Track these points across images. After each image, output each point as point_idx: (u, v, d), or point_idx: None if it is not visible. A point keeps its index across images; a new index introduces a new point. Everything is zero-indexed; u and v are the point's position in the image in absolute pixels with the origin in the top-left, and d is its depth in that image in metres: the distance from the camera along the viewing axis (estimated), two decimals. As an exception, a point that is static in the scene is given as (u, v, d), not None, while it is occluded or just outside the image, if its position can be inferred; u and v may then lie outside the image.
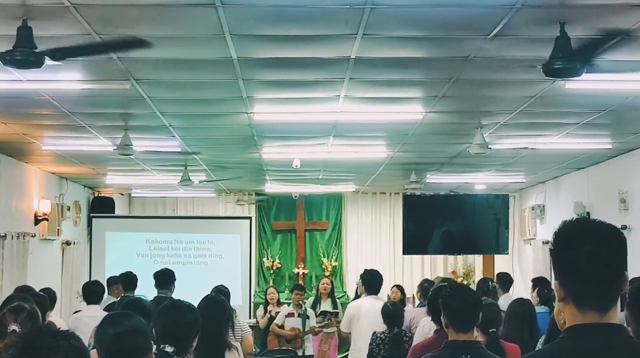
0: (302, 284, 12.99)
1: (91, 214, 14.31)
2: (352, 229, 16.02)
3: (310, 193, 15.43)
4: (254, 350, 7.69)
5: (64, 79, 6.32)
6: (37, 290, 6.95)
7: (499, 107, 7.59)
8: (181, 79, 6.47)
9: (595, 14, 4.78)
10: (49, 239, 11.93)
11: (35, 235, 11.13)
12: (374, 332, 7.15)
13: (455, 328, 4.03)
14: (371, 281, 8.39)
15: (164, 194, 15.46)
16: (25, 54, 4.81)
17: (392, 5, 4.67)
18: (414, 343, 5.97)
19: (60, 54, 5.14)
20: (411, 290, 13.03)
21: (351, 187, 14.78)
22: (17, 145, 9.50)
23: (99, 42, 5.23)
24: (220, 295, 5.87)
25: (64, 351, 2.25)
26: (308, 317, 10.47)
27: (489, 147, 8.36)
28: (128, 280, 9.03)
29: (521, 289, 13.47)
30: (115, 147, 8.56)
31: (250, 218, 14.76)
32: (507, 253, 13.64)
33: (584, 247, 2.12)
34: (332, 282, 12.39)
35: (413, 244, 13.23)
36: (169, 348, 3.80)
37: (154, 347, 3.85)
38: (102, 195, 14.86)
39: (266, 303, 12.00)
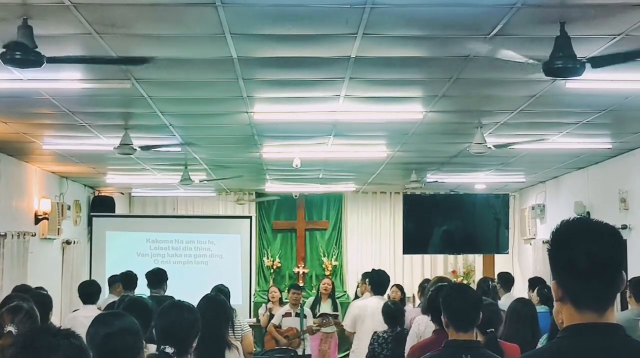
0: (300, 284, 12.99)
1: (91, 213, 14.31)
2: (353, 229, 16.03)
3: (311, 193, 15.44)
4: (254, 349, 7.69)
5: (64, 78, 6.33)
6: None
7: (499, 107, 7.59)
8: (181, 78, 6.47)
9: (595, 14, 4.79)
10: (49, 238, 11.93)
11: (35, 235, 11.13)
12: (375, 332, 7.14)
13: (455, 327, 4.03)
14: (378, 281, 8.39)
15: (164, 194, 15.47)
16: (25, 53, 4.81)
17: (392, 5, 4.67)
18: (408, 342, 5.96)
19: (60, 61, 5.15)
20: (411, 289, 13.04)
21: (351, 186, 14.79)
22: (17, 144, 9.51)
23: (102, 57, 5.26)
24: (220, 294, 5.87)
25: (64, 350, 2.25)
26: (305, 316, 10.47)
27: (490, 146, 8.36)
28: (128, 280, 9.03)
29: (521, 289, 13.49)
30: (116, 146, 8.56)
31: (250, 217, 14.76)
32: (507, 253, 13.64)
33: (582, 247, 2.13)
34: (333, 283, 12.40)
35: (413, 244, 13.23)
36: (169, 350, 3.80)
37: (154, 347, 3.86)
38: (103, 194, 14.87)
39: (268, 302, 12.00)
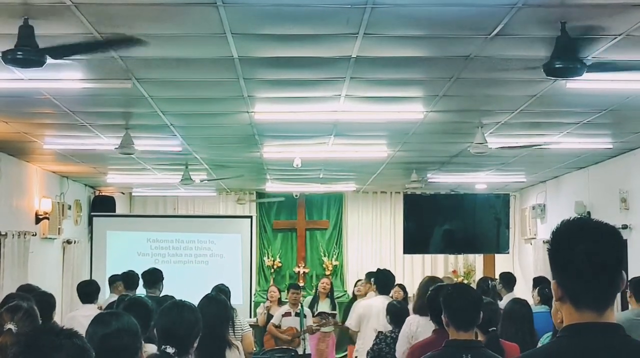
0: (301, 283, 12.99)
1: (92, 213, 14.32)
2: (353, 228, 16.03)
3: (311, 193, 15.44)
4: (254, 349, 7.69)
5: (65, 78, 6.33)
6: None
7: (500, 107, 7.59)
8: (182, 78, 6.47)
9: (596, 14, 4.79)
10: (49, 238, 11.93)
11: (36, 234, 11.13)
12: (380, 332, 7.13)
13: (456, 327, 4.03)
14: (384, 281, 8.41)
15: (165, 193, 15.47)
16: (26, 53, 4.81)
17: (393, 5, 4.67)
18: (399, 342, 5.95)
19: (59, 52, 5.14)
20: (412, 289, 13.03)
21: (352, 186, 14.79)
22: (18, 144, 9.51)
23: (97, 40, 5.24)
24: (220, 294, 5.87)
25: (67, 350, 2.26)
26: (305, 316, 10.47)
27: (490, 146, 8.36)
28: (130, 279, 9.04)
29: (522, 289, 13.49)
30: (117, 146, 8.56)
31: (250, 217, 14.76)
32: (508, 253, 13.64)
33: (581, 247, 2.14)
34: (331, 283, 12.41)
35: (414, 243, 13.23)
36: (170, 350, 3.80)
37: (154, 347, 3.86)
38: (103, 194, 14.87)
39: (266, 301, 12.01)
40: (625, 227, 9.81)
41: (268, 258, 15.74)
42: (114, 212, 14.71)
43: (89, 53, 5.54)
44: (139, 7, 4.72)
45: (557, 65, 4.94)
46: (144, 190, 15.19)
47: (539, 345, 5.71)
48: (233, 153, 10.62)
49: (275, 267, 15.68)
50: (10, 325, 3.96)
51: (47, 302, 5.85)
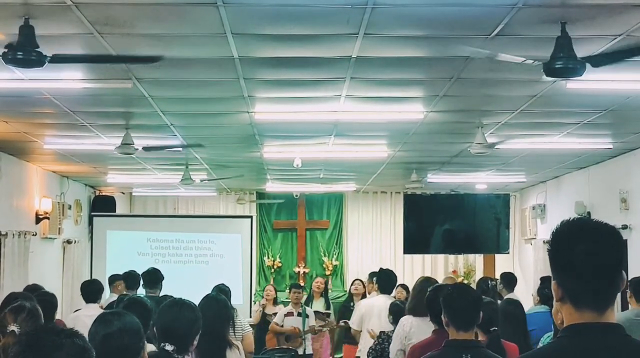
0: (301, 283, 12.99)
1: (92, 213, 14.32)
2: (353, 228, 16.03)
3: (311, 193, 15.44)
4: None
5: (66, 78, 6.33)
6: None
7: (500, 107, 7.59)
8: (182, 78, 6.48)
9: (596, 14, 4.79)
10: (49, 238, 11.94)
11: (36, 234, 11.14)
12: (382, 332, 7.14)
13: (456, 327, 4.04)
14: (386, 280, 8.42)
15: (165, 193, 15.47)
16: (27, 53, 4.82)
17: (393, 5, 4.67)
18: (393, 342, 5.95)
19: (64, 60, 5.15)
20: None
21: (352, 186, 14.79)
22: (18, 143, 9.52)
23: (108, 55, 5.26)
24: (221, 294, 5.88)
25: (67, 349, 2.26)
26: (307, 316, 10.48)
27: (490, 146, 8.37)
28: (131, 279, 9.03)
29: (522, 289, 13.49)
30: (118, 146, 8.56)
31: (251, 217, 14.76)
32: (508, 253, 13.63)
33: (581, 247, 2.14)
34: (325, 282, 12.42)
35: (414, 244, 13.23)
36: (169, 347, 3.81)
37: (152, 347, 3.85)
38: (103, 193, 14.88)
39: (262, 299, 12.04)
40: (625, 227, 9.81)
41: (268, 258, 15.74)
42: (114, 211, 14.71)
43: (96, 63, 5.57)
44: (140, 7, 4.72)
45: (557, 66, 4.94)
46: (144, 190, 15.19)
47: (540, 345, 5.71)
48: (233, 153, 10.63)
49: (275, 267, 15.69)
50: (13, 327, 3.97)
51: (49, 302, 5.86)
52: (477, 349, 4.02)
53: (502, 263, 14.35)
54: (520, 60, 5.11)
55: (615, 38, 5.20)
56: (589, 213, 11.19)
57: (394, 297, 10.39)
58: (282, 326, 10.49)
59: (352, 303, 10.79)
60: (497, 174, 12.57)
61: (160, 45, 5.45)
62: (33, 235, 10.84)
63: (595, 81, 6.23)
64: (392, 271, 8.61)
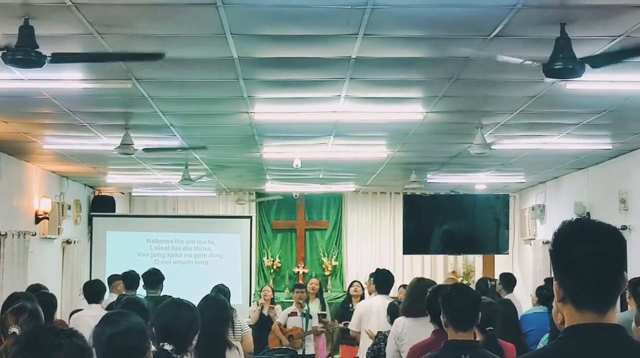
0: (303, 283, 13.00)
1: (92, 213, 14.32)
2: (352, 229, 16.03)
3: (311, 193, 15.45)
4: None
5: (65, 78, 6.33)
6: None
7: (500, 107, 7.60)
8: (182, 78, 6.48)
9: (595, 15, 4.79)
10: (49, 238, 11.94)
11: (35, 234, 11.13)
12: (380, 332, 7.14)
13: (455, 327, 4.04)
14: (383, 280, 8.42)
15: (165, 193, 15.47)
16: (27, 53, 4.82)
17: (392, 6, 4.68)
18: (388, 344, 5.96)
19: (65, 59, 5.15)
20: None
21: (351, 186, 14.79)
22: (18, 144, 9.52)
23: (109, 53, 5.26)
24: (220, 294, 5.88)
25: (66, 349, 2.26)
26: (311, 317, 10.49)
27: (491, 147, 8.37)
28: (130, 280, 9.02)
29: (521, 289, 13.50)
30: (117, 146, 8.56)
31: (250, 217, 14.77)
32: (507, 253, 13.65)
33: (583, 247, 2.14)
34: (320, 283, 12.43)
35: (413, 244, 13.24)
36: (167, 347, 3.81)
37: (152, 345, 3.84)
38: (103, 194, 14.87)
39: (259, 298, 12.04)
40: (624, 227, 9.80)
41: (267, 258, 15.74)
42: (114, 212, 14.71)
43: (96, 62, 5.57)
44: (139, 8, 4.72)
45: (556, 66, 4.94)
46: (143, 190, 15.19)
47: (539, 345, 5.72)
48: (233, 153, 10.63)
49: (274, 267, 15.69)
50: (14, 329, 3.97)
51: (48, 302, 5.86)
52: (475, 349, 4.02)
53: (502, 264, 14.35)
54: (520, 61, 5.12)
55: (615, 39, 5.21)
56: (588, 213, 11.19)
57: (394, 297, 10.41)
58: (285, 326, 10.50)
59: (350, 305, 10.80)
60: (497, 175, 12.57)
61: (159, 46, 5.44)
62: (32, 235, 10.84)
63: (595, 82, 6.22)
64: (389, 271, 8.60)
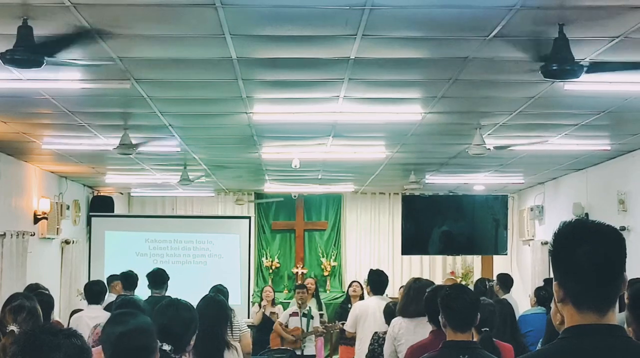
0: (306, 283, 13.00)
1: (90, 213, 14.31)
2: (351, 229, 16.03)
3: (310, 193, 15.45)
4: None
5: (64, 79, 6.33)
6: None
7: (498, 108, 7.60)
8: (181, 78, 6.48)
9: (594, 16, 4.79)
10: (48, 238, 11.93)
11: (34, 234, 11.13)
12: (375, 332, 7.15)
13: (453, 328, 4.05)
14: (377, 281, 8.39)
15: (163, 193, 15.47)
16: (25, 53, 4.82)
17: (391, 6, 4.68)
18: (386, 345, 5.96)
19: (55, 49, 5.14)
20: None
21: (350, 187, 14.79)
22: (16, 144, 9.51)
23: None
24: (219, 294, 5.88)
25: (65, 349, 2.26)
26: (312, 317, 10.50)
27: (489, 148, 8.37)
28: (128, 280, 9.01)
29: (519, 290, 13.51)
30: (116, 146, 8.56)
31: (249, 218, 14.76)
32: (506, 254, 13.65)
33: (583, 248, 2.14)
34: (316, 282, 12.43)
35: (412, 244, 13.25)
36: (166, 347, 3.81)
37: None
38: (102, 194, 14.87)
39: (261, 301, 12.04)
40: (623, 228, 9.80)
41: (266, 258, 15.75)
42: (113, 212, 14.70)
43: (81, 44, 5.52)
44: (138, 8, 4.72)
45: (554, 67, 4.95)
46: (142, 191, 15.19)
47: (539, 346, 5.72)
48: (232, 153, 10.63)
49: (273, 267, 15.70)
50: (13, 327, 3.97)
51: (46, 301, 5.86)
52: (474, 350, 4.02)
53: (500, 265, 14.36)
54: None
55: (613, 40, 5.21)
56: (586, 214, 11.20)
57: (394, 298, 10.40)
58: (286, 326, 10.51)
59: (349, 305, 10.79)
60: (495, 175, 12.57)
61: (158, 46, 5.45)
62: (31, 235, 10.84)
63: (593, 83, 6.23)
64: (382, 271, 8.56)
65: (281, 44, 5.44)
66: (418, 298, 5.44)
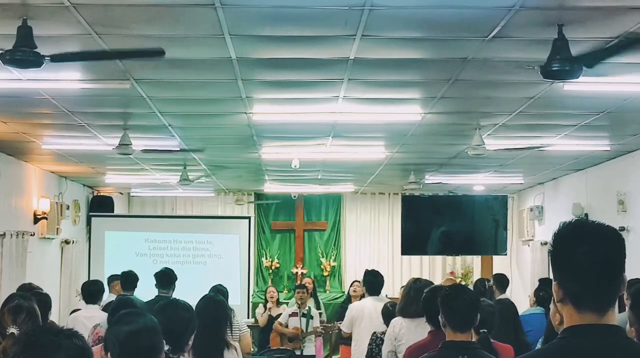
0: (304, 283, 13.01)
1: (90, 213, 14.31)
2: (351, 229, 16.04)
3: (309, 194, 15.45)
4: (252, 349, 7.69)
5: (64, 79, 6.33)
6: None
7: (498, 109, 7.60)
8: (181, 78, 6.48)
9: (593, 16, 4.80)
10: (48, 238, 11.93)
11: (34, 234, 11.13)
12: (374, 333, 7.15)
13: (453, 328, 4.05)
14: (373, 282, 8.38)
15: (163, 193, 15.47)
16: (25, 54, 4.82)
17: (390, 7, 4.68)
18: (385, 344, 5.97)
19: (64, 58, 5.15)
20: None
21: (350, 187, 14.80)
22: (16, 144, 9.52)
23: (110, 51, 5.26)
24: (218, 294, 5.88)
25: (66, 350, 2.26)
26: (312, 317, 10.50)
27: (488, 148, 8.37)
28: (128, 280, 8.97)
29: (519, 290, 13.52)
30: (116, 146, 8.56)
31: (249, 218, 14.76)
32: (506, 254, 13.66)
33: (582, 248, 2.15)
34: (314, 282, 12.43)
35: (412, 245, 13.25)
36: (165, 347, 3.81)
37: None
38: (102, 194, 14.87)
39: (266, 302, 12.02)
40: (622, 229, 9.80)
41: (266, 259, 15.75)
42: (113, 212, 14.70)
43: (95, 60, 5.56)
44: (138, 8, 4.73)
45: (553, 68, 4.95)
46: (142, 191, 15.19)
47: (538, 346, 5.72)
48: (231, 154, 10.63)
49: (273, 267, 15.70)
50: (13, 329, 3.97)
51: (44, 301, 5.85)
52: (473, 350, 4.03)
53: (500, 265, 14.36)
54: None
55: (612, 40, 5.21)
56: (586, 215, 11.20)
57: (393, 298, 10.40)
58: (286, 326, 10.51)
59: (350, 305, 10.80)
60: (495, 176, 12.58)
61: (158, 46, 5.44)
62: (31, 235, 10.84)
63: (593, 83, 6.24)
64: (377, 272, 8.55)
65: (281, 44, 5.44)
66: (418, 299, 5.44)
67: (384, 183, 14.16)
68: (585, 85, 6.22)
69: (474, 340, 4.27)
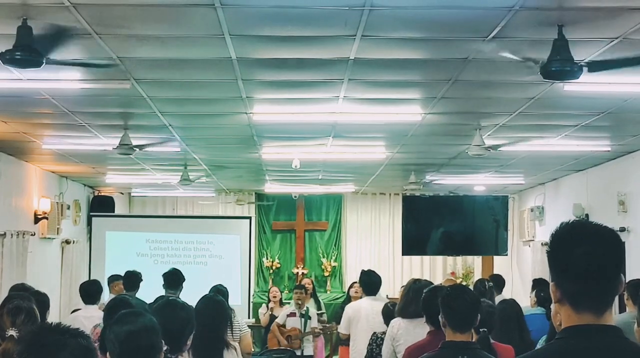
0: (303, 284, 13.00)
1: (91, 213, 14.32)
2: (352, 230, 16.04)
3: (310, 194, 15.45)
4: (253, 349, 7.68)
5: (64, 79, 6.33)
6: (36, 289, 6.93)
7: (498, 109, 7.60)
8: (181, 78, 6.48)
9: (593, 17, 4.80)
10: (48, 238, 11.94)
11: (35, 234, 11.14)
12: (374, 333, 7.15)
13: (453, 328, 4.05)
14: (369, 282, 8.37)
15: (164, 194, 15.48)
16: (25, 54, 4.82)
17: (391, 7, 4.68)
18: (384, 345, 5.96)
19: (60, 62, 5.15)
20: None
21: (351, 187, 14.80)
22: (17, 144, 9.52)
23: None
24: (218, 294, 5.88)
25: (71, 349, 2.26)
26: (310, 318, 10.49)
27: (488, 149, 8.37)
28: (130, 280, 8.96)
29: (520, 291, 13.51)
30: (116, 146, 8.56)
31: (250, 218, 14.77)
32: (506, 255, 13.65)
33: (580, 249, 2.15)
34: (313, 282, 12.43)
35: (412, 245, 13.24)
36: (163, 347, 3.81)
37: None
38: (102, 194, 14.88)
39: (268, 302, 12.03)
40: (623, 229, 9.81)
41: (267, 259, 15.75)
42: (113, 212, 14.71)
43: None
44: (137, 8, 4.73)
45: (553, 68, 4.95)
46: (143, 191, 15.20)
47: (538, 346, 5.71)
48: (232, 154, 10.63)
49: (274, 268, 15.70)
50: (12, 332, 3.96)
51: (42, 301, 5.86)
52: (473, 350, 4.03)
53: (501, 265, 14.36)
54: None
55: (612, 41, 5.21)
56: (587, 215, 11.20)
57: (393, 298, 10.39)
58: (284, 326, 10.50)
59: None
60: (496, 176, 12.57)
61: (158, 46, 5.45)
62: (32, 235, 10.85)
63: (593, 84, 6.23)
64: (373, 272, 8.52)
65: (281, 44, 5.44)
66: (418, 299, 5.44)
67: (385, 183, 14.16)
68: (586, 85, 6.22)
69: (473, 340, 4.26)
